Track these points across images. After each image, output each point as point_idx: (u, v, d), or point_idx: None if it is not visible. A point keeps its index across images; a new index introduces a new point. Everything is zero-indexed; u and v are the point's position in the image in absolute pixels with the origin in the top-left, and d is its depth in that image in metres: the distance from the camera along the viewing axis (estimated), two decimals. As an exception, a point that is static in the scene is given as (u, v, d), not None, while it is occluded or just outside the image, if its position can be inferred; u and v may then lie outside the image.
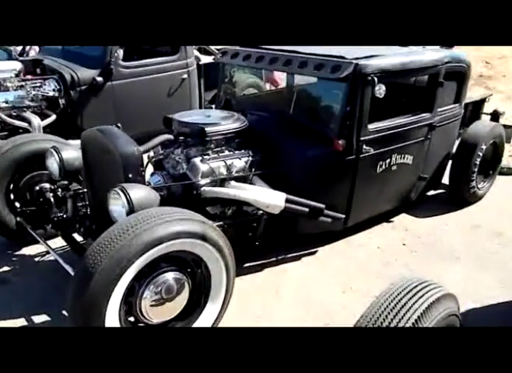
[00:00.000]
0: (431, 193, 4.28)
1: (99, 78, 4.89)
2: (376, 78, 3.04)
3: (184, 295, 2.28)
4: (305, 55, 3.29)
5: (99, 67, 4.93)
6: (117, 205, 2.44)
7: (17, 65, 4.97)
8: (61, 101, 4.92)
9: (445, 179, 4.20)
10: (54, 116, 4.84)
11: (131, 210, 2.38)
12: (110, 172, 2.75)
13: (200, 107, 5.97)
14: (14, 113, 4.79)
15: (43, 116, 4.83)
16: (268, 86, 5.79)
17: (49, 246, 3.08)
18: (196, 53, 6.05)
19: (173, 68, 5.47)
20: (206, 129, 3.00)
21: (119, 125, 4.60)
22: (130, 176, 2.63)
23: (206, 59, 6.13)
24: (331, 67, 3.06)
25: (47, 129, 4.80)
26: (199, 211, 2.56)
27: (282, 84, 5.31)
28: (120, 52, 4.96)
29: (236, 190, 2.92)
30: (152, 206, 2.44)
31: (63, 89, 4.85)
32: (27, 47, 7.44)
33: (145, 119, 5.41)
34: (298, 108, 3.57)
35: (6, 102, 4.69)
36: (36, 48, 7.51)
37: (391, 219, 3.85)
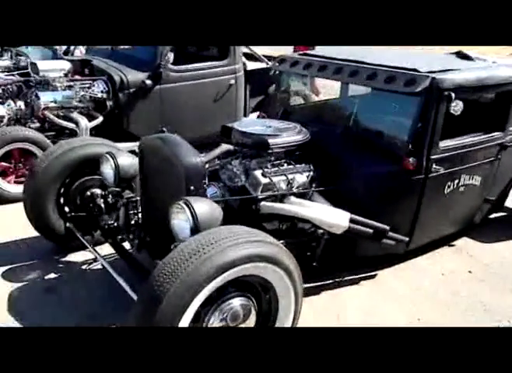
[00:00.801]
0: (492, 216, 4.02)
1: (149, 81, 4.80)
2: (453, 94, 2.83)
3: (250, 322, 2.11)
4: (373, 66, 3.10)
5: (148, 70, 4.85)
6: (180, 219, 2.30)
7: (66, 65, 4.92)
8: (109, 103, 4.85)
9: (508, 202, 3.94)
10: (101, 118, 4.78)
11: (196, 225, 2.23)
12: (170, 183, 2.62)
13: (245, 114, 5.84)
14: (61, 113, 4.75)
15: (89, 118, 4.77)
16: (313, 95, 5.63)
17: (99, 254, 2.97)
18: (243, 58, 5.93)
19: (222, 74, 5.35)
20: (269, 141, 2.85)
21: (164, 129, 4.51)
22: (192, 188, 2.49)
23: (252, 65, 6.00)
24: (405, 81, 2.87)
25: (93, 131, 4.75)
26: (256, 227, 2.41)
27: (322, 92, 5.16)
28: (171, 55, 4.86)
29: (299, 208, 2.75)
30: (216, 222, 2.30)
31: (111, 91, 4.78)
32: (72, 47, 7.47)
33: (191, 124, 5.33)
34: (360, 121, 3.38)
35: (54, 101, 4.65)
36: (82, 48, 7.53)
37: (452, 243, 3.61)
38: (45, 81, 4.74)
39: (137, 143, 5.10)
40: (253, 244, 1.97)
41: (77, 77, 5.05)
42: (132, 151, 5.07)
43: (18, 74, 6.55)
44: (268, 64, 6.13)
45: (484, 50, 7.40)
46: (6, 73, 6.83)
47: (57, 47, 7.23)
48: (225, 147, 2.94)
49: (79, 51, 7.35)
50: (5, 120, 4.25)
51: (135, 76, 4.80)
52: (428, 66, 2.99)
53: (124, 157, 2.99)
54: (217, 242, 1.91)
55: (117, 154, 2.98)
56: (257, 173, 2.82)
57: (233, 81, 5.46)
